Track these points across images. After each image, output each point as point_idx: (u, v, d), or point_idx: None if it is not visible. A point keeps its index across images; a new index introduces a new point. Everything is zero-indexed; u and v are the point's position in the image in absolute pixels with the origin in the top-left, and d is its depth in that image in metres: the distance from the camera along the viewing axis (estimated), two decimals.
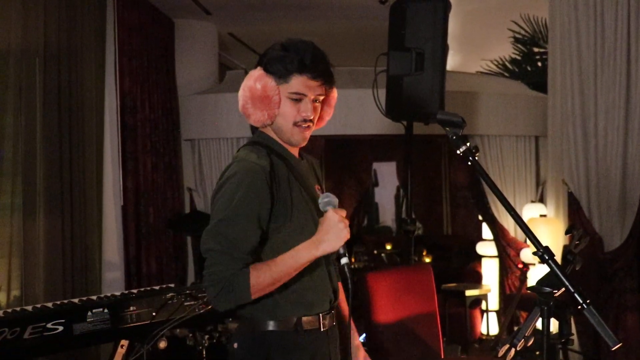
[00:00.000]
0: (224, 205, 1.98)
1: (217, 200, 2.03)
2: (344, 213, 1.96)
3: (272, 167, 2.03)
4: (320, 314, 2.10)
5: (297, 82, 2.06)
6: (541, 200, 5.93)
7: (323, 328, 2.10)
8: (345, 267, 1.92)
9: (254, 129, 2.20)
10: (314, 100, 2.10)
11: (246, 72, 2.19)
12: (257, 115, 2.08)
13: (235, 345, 2.10)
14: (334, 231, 1.92)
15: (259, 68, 2.09)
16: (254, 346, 2.06)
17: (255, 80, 2.06)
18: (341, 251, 1.94)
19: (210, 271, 1.96)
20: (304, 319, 2.06)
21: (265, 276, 1.95)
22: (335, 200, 1.97)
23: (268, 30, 7.03)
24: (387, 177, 12.32)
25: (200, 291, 3.19)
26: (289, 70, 2.05)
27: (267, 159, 2.04)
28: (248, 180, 1.98)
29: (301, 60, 2.04)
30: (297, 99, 2.07)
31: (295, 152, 2.17)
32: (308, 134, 2.13)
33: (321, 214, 2.07)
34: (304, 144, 2.15)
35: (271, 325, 2.05)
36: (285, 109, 2.07)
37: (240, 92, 2.09)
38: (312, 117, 2.10)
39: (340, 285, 2.29)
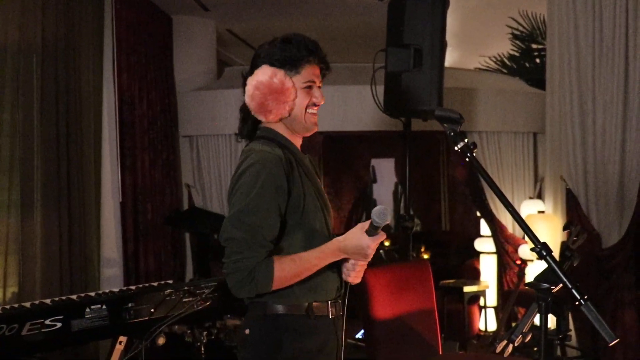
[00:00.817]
0: (244, 194, 2.01)
1: (236, 190, 2.04)
2: (384, 237, 2.01)
3: (285, 158, 2.08)
4: (329, 302, 2.15)
5: (307, 71, 2.14)
6: (539, 196, 5.93)
7: (331, 315, 2.15)
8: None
9: (249, 127, 2.23)
10: (319, 87, 2.19)
11: (243, 74, 2.21)
12: (279, 110, 2.11)
13: (247, 331, 2.13)
14: (362, 258, 2.07)
15: (265, 66, 2.12)
16: (266, 329, 2.09)
17: (271, 76, 2.09)
18: None
19: (233, 259, 1.98)
20: (315, 304, 2.11)
21: (289, 270, 2.01)
22: (388, 217, 1.98)
23: (266, 26, 7.02)
24: (385, 173, 12.32)
25: (199, 287, 3.20)
26: (298, 61, 2.12)
27: (280, 150, 2.08)
28: (267, 169, 2.01)
29: (307, 49, 2.13)
30: (309, 86, 2.15)
31: (299, 146, 2.23)
32: (317, 118, 2.21)
33: (326, 206, 2.21)
34: (316, 128, 2.21)
35: (282, 309, 2.08)
36: (300, 99, 2.14)
37: (253, 92, 2.11)
38: (322, 102, 2.19)
39: None
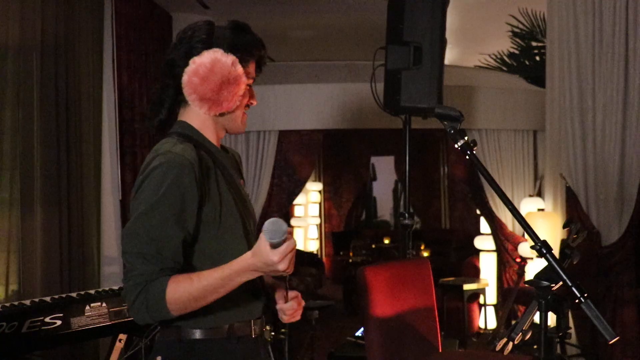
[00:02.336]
0: (144, 202, 1.72)
1: (137, 195, 1.76)
2: (293, 245, 1.65)
3: (200, 161, 1.78)
4: (252, 320, 1.91)
5: (252, 67, 1.89)
6: (539, 194, 5.94)
7: (254, 334, 1.91)
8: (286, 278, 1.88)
9: (163, 118, 1.92)
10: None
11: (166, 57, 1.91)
12: (229, 103, 1.82)
13: (159, 358, 1.85)
14: (276, 273, 1.71)
15: (218, 50, 1.80)
16: (181, 357, 1.83)
17: (233, 63, 1.79)
18: None
19: (128, 276, 1.70)
20: (236, 325, 1.86)
21: (183, 290, 1.68)
22: (284, 229, 1.61)
23: (266, 24, 7.02)
24: (385, 171, 12.34)
25: None
26: (252, 54, 1.87)
27: (195, 152, 1.78)
28: (174, 174, 1.72)
29: (260, 43, 1.89)
30: (250, 84, 1.90)
31: (219, 144, 1.96)
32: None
33: (248, 214, 1.95)
34: (244, 129, 1.98)
35: (199, 334, 1.82)
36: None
37: (208, 75, 1.78)
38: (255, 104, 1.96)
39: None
